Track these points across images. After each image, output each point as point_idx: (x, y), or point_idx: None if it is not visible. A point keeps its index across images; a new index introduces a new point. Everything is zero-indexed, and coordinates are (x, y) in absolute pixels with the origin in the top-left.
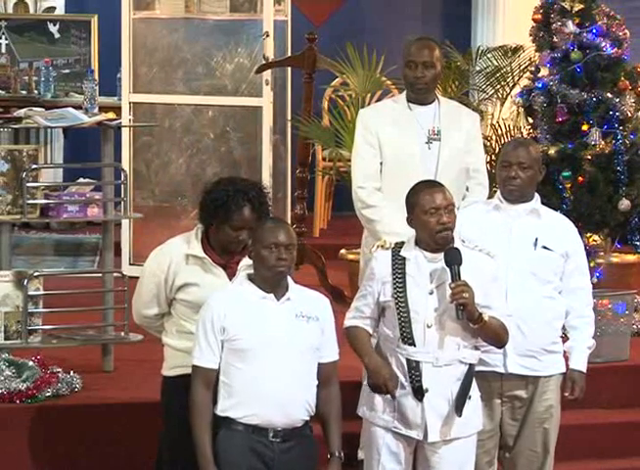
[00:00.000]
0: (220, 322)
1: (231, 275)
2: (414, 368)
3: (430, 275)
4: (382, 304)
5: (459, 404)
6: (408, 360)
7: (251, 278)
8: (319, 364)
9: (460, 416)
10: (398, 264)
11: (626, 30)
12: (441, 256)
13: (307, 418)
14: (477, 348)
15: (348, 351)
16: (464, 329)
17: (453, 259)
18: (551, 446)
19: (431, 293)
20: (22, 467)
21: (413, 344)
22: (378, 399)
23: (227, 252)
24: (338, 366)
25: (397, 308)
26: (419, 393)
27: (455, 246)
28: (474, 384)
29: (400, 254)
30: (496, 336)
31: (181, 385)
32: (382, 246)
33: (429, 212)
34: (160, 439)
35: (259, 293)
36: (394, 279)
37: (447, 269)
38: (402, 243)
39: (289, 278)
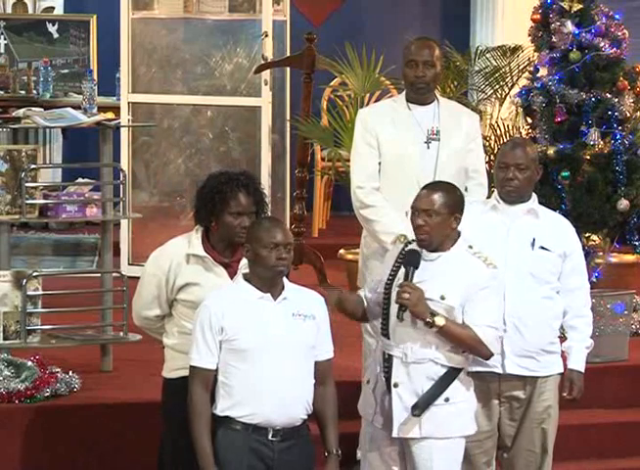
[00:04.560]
0: (218, 322)
1: (232, 274)
2: (386, 360)
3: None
4: (379, 294)
5: (420, 403)
6: (383, 353)
7: (246, 278)
8: (315, 362)
9: (417, 416)
10: (399, 261)
11: (625, 30)
12: (433, 254)
13: (306, 417)
14: (464, 352)
15: (347, 351)
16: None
17: (410, 261)
18: (549, 447)
19: None
20: (21, 467)
21: (387, 336)
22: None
23: (233, 245)
24: (336, 366)
25: (383, 300)
26: (388, 386)
27: (415, 248)
28: (461, 389)
29: (405, 250)
30: (463, 344)
31: (182, 386)
32: (398, 240)
33: (410, 212)
34: (162, 440)
35: (256, 293)
36: (390, 273)
37: (404, 267)
38: (411, 241)
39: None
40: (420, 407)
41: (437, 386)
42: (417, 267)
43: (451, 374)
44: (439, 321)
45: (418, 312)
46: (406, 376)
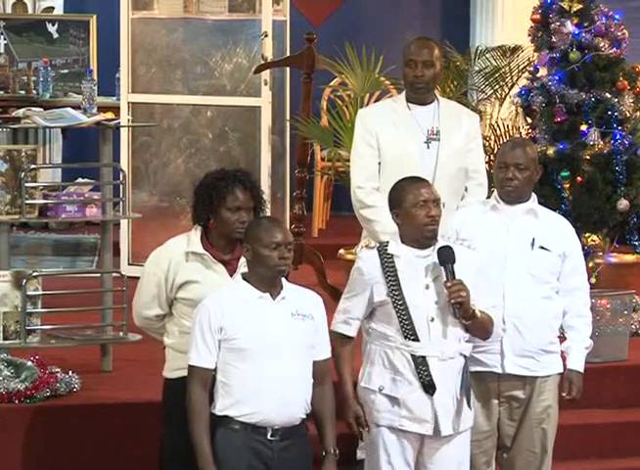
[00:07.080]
0: (218, 322)
1: (231, 272)
2: (421, 364)
3: (424, 270)
4: (375, 304)
5: (468, 396)
6: (413, 356)
7: (245, 277)
8: (313, 362)
9: (471, 408)
10: (388, 263)
11: (625, 30)
12: (430, 251)
13: (305, 416)
14: (470, 341)
15: None
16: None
17: (447, 258)
18: (549, 447)
19: (427, 287)
20: (22, 467)
21: (417, 339)
22: (379, 398)
23: (232, 242)
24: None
25: (395, 306)
26: (430, 387)
27: (446, 244)
28: None
29: (388, 251)
30: (484, 329)
31: (183, 386)
32: (367, 246)
33: (418, 205)
34: (162, 440)
35: (256, 292)
36: (387, 277)
37: (440, 265)
38: (387, 242)
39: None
40: (470, 400)
41: (466, 377)
42: (454, 262)
43: (467, 364)
44: (478, 312)
45: (469, 308)
46: (443, 374)
